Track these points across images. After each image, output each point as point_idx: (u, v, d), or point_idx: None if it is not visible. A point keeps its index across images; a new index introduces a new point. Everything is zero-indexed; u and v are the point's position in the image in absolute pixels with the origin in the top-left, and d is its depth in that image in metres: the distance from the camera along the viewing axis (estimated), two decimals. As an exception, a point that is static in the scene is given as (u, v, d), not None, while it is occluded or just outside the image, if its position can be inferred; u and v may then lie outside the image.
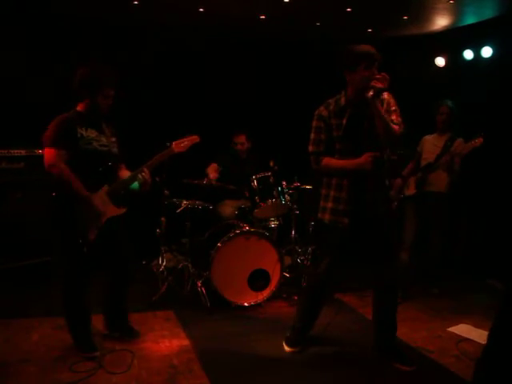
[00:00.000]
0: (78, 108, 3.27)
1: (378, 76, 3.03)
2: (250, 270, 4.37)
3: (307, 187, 4.99)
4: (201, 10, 5.07)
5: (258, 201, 4.50)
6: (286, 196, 4.64)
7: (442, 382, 3.24)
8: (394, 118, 3.12)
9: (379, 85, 3.00)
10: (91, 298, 3.40)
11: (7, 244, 4.55)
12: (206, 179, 4.76)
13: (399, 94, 3.29)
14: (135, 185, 3.33)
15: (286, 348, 3.54)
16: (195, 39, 5.85)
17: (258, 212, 4.58)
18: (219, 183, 4.98)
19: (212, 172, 5.09)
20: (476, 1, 4.70)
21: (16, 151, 4.70)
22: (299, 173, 5.00)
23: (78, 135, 3.16)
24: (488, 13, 5.07)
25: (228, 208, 5.11)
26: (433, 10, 4.94)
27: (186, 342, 3.62)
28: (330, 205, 3.29)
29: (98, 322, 3.62)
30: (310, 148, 3.33)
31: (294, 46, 6.22)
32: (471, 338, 3.80)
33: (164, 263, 4.75)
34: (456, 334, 3.87)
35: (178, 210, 4.63)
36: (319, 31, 5.85)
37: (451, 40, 5.68)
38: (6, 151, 4.65)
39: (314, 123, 3.30)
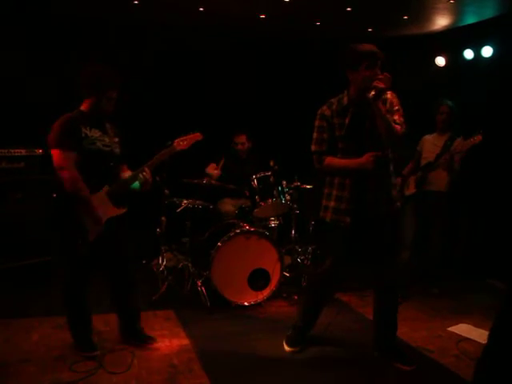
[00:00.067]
0: (82, 107, 3.25)
1: (380, 76, 3.02)
2: (250, 269, 4.37)
3: (307, 187, 4.99)
4: (201, 9, 5.07)
5: (258, 200, 4.50)
6: (286, 195, 4.64)
7: (442, 382, 3.24)
8: (396, 117, 3.11)
9: (381, 85, 2.99)
10: (91, 297, 3.40)
11: (7, 244, 4.54)
12: (206, 179, 4.76)
13: (399, 93, 3.28)
14: (136, 184, 3.32)
15: (286, 348, 3.54)
16: (195, 39, 5.85)
17: (258, 211, 4.58)
18: (219, 183, 4.99)
19: (214, 170, 5.09)
20: (476, 0, 4.69)
21: (16, 151, 4.70)
22: (299, 172, 5.00)
23: (83, 135, 3.14)
24: (488, 12, 5.06)
25: (228, 206, 5.12)
26: (433, 9, 4.94)
27: (186, 342, 3.62)
28: (332, 204, 3.28)
29: (98, 322, 3.62)
30: (313, 147, 3.32)
31: (294, 46, 6.22)
32: (471, 337, 3.80)
33: (164, 263, 4.75)
34: (456, 334, 3.87)
35: (178, 210, 4.63)
36: (319, 31, 5.85)
37: (451, 40, 5.68)
38: (6, 151, 4.65)
39: (317, 122, 3.30)
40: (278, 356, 3.45)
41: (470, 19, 5.33)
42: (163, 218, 4.75)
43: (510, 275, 3.22)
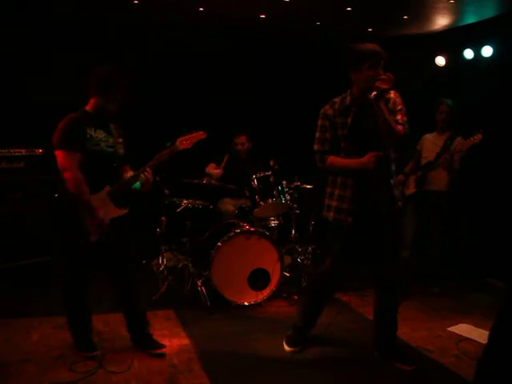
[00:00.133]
0: (87, 107, 3.24)
1: (383, 76, 3.01)
2: (250, 269, 4.37)
3: (307, 186, 4.99)
4: (201, 9, 5.07)
5: (258, 200, 4.50)
6: (286, 195, 4.64)
7: (442, 382, 3.24)
8: (399, 117, 3.10)
9: (383, 86, 2.98)
10: (91, 297, 3.40)
11: (7, 244, 4.54)
12: (206, 178, 4.76)
13: (399, 93, 3.28)
14: (137, 184, 3.31)
15: (287, 348, 3.53)
16: (195, 39, 5.85)
17: (258, 211, 4.58)
18: (219, 182, 4.99)
19: (215, 169, 5.09)
20: (476, 0, 4.69)
21: (16, 151, 4.70)
22: (299, 172, 5.00)
23: (87, 136, 3.13)
24: (488, 12, 5.06)
25: (228, 206, 5.12)
26: (433, 9, 4.94)
27: (186, 342, 3.62)
28: (334, 203, 3.28)
29: (98, 322, 3.62)
30: (315, 147, 3.32)
31: (294, 46, 6.22)
32: (471, 337, 3.79)
33: (164, 262, 4.75)
34: (456, 334, 3.87)
35: (178, 210, 4.63)
36: (319, 31, 5.85)
37: (451, 39, 5.68)
38: (6, 151, 4.65)
39: (320, 122, 3.29)
40: (278, 356, 3.45)
41: (470, 19, 5.33)
42: (163, 218, 4.75)
43: (510, 275, 3.22)
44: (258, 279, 4.38)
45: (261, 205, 4.49)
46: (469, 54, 5.45)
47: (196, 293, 4.32)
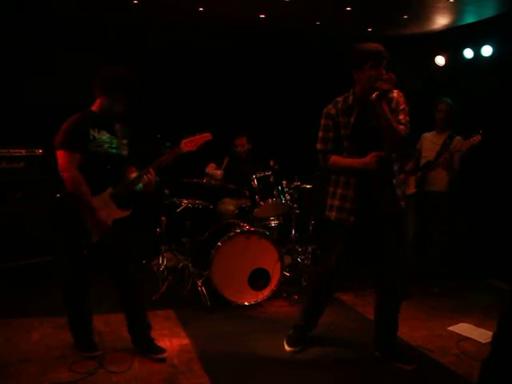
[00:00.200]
0: (93, 108, 3.22)
1: (385, 76, 3.00)
2: (250, 269, 4.37)
3: (307, 186, 5.00)
4: (201, 9, 5.07)
5: (258, 200, 4.50)
6: (286, 195, 4.64)
7: (443, 381, 3.23)
8: (401, 117, 3.10)
9: (385, 86, 2.98)
10: (92, 298, 3.40)
11: (7, 244, 4.55)
12: (206, 178, 4.76)
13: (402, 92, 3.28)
14: (139, 186, 3.29)
15: (287, 347, 3.53)
16: (195, 39, 5.86)
17: (258, 211, 4.58)
18: (219, 182, 4.99)
19: (216, 170, 5.08)
20: (476, 0, 4.69)
21: (16, 151, 4.70)
22: (299, 172, 5.00)
23: (91, 137, 3.11)
24: (488, 12, 5.06)
25: (228, 206, 5.11)
26: (433, 8, 4.94)
27: (186, 342, 3.62)
28: (336, 203, 3.28)
29: (98, 322, 3.62)
30: (318, 146, 3.32)
31: (294, 46, 6.22)
32: (471, 336, 3.80)
33: (164, 262, 4.75)
34: (456, 333, 3.87)
35: (178, 210, 4.64)
36: (319, 30, 5.85)
37: (451, 39, 5.68)
38: (6, 151, 4.65)
39: (322, 121, 3.29)
40: (278, 356, 3.45)
41: (470, 18, 5.33)
42: (163, 218, 4.75)
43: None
44: (258, 279, 4.38)
45: (261, 205, 4.49)
46: (469, 53, 5.45)
47: (196, 293, 4.32)
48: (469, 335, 3.82)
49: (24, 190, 4.73)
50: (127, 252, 3.34)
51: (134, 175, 3.31)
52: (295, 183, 4.91)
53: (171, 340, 3.62)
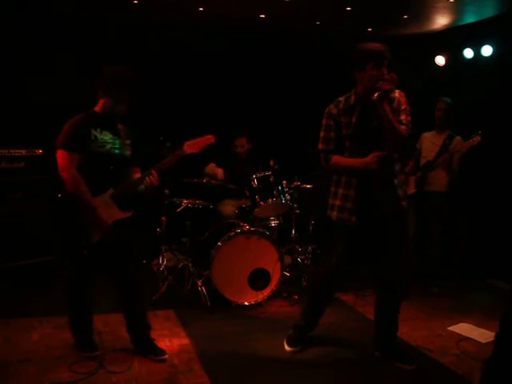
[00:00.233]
0: (96, 108, 3.22)
1: (386, 77, 3.00)
2: (250, 269, 4.37)
3: (307, 186, 4.99)
4: (201, 9, 5.07)
5: (258, 200, 4.50)
6: (287, 195, 4.64)
7: (443, 381, 3.23)
8: (403, 117, 3.10)
9: (386, 86, 2.97)
10: (92, 298, 3.40)
11: (7, 244, 4.54)
12: (206, 178, 4.76)
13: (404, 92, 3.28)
14: (140, 187, 3.28)
15: (287, 347, 3.53)
16: (195, 39, 5.86)
17: (258, 211, 4.58)
18: (219, 182, 4.99)
19: (217, 170, 5.08)
20: (476, 0, 4.69)
21: (16, 151, 4.70)
22: (299, 172, 5.00)
23: (92, 137, 3.10)
24: (488, 11, 5.06)
25: (228, 207, 5.11)
26: (433, 8, 4.94)
27: (186, 342, 3.62)
28: (338, 202, 3.28)
29: (98, 322, 3.62)
30: (320, 146, 3.32)
31: (294, 46, 6.22)
32: (471, 336, 3.80)
33: (164, 262, 4.74)
34: (456, 333, 3.87)
35: (179, 210, 4.63)
36: (319, 30, 5.85)
37: (451, 39, 5.68)
38: (6, 151, 4.64)
39: (324, 121, 3.29)
40: (278, 356, 3.45)
41: (470, 18, 5.33)
42: (163, 218, 4.75)
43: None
44: (259, 279, 4.38)
45: (261, 205, 4.49)
46: (469, 53, 5.45)
47: (196, 293, 4.32)
48: (469, 335, 3.82)
49: (24, 190, 4.72)
50: (128, 252, 3.33)
51: (137, 176, 3.29)
52: (295, 183, 4.90)
53: (171, 340, 3.62)
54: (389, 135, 3.04)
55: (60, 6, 5.04)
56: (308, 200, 5.26)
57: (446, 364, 3.37)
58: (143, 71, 5.78)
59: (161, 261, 4.76)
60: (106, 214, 3.11)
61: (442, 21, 5.40)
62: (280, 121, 6.30)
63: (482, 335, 3.79)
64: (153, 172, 3.23)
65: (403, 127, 3.06)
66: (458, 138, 4.63)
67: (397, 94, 3.15)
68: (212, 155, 5.25)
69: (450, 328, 3.97)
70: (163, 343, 3.52)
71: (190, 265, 4.53)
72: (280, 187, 4.60)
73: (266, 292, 4.40)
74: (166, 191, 4.64)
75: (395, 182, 3.22)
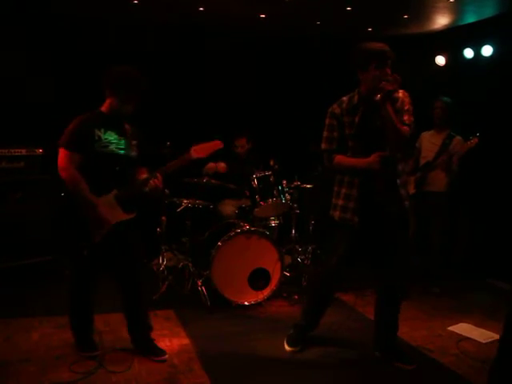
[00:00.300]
0: (102, 108, 3.20)
1: (389, 78, 2.99)
2: (250, 269, 4.37)
3: (307, 186, 5.00)
4: (201, 9, 5.07)
5: (258, 200, 4.50)
6: (287, 195, 4.64)
7: (442, 381, 3.23)
8: (405, 118, 3.10)
9: (389, 87, 2.97)
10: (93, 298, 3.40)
11: (7, 244, 4.54)
12: (205, 178, 4.75)
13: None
14: (145, 189, 3.25)
15: (287, 347, 3.53)
16: (195, 39, 5.85)
17: (258, 211, 4.58)
18: (219, 182, 4.98)
19: (218, 164, 5.05)
20: (476, 0, 4.69)
21: (16, 151, 4.70)
22: (299, 172, 5.00)
23: (96, 137, 3.09)
24: (488, 11, 5.06)
25: (228, 207, 5.11)
26: (433, 8, 4.94)
27: (186, 342, 3.62)
28: (340, 202, 3.28)
29: (98, 322, 3.61)
30: (323, 146, 3.32)
31: (294, 46, 6.22)
32: (471, 337, 3.80)
33: (164, 262, 4.74)
34: (456, 333, 3.87)
35: (179, 209, 4.64)
36: (319, 30, 5.85)
37: (451, 39, 5.68)
38: (6, 151, 4.64)
39: (327, 121, 3.29)
40: (279, 356, 3.45)
41: (470, 18, 5.33)
42: (163, 218, 4.75)
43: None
44: (259, 279, 4.38)
45: (261, 205, 4.49)
46: (469, 53, 5.45)
47: (196, 292, 4.32)
48: (469, 335, 3.82)
49: (24, 189, 4.72)
50: (134, 253, 3.33)
51: (144, 176, 3.26)
52: (295, 183, 4.91)
53: (171, 340, 3.62)
54: (391, 136, 3.04)
55: (60, 6, 5.04)
56: (308, 200, 5.26)
57: (446, 364, 3.37)
58: (143, 71, 5.80)
59: (161, 261, 4.76)
60: (109, 215, 3.10)
61: (442, 21, 5.40)
62: (280, 121, 6.29)
63: (482, 335, 3.79)
64: (157, 175, 3.21)
65: (405, 128, 3.07)
66: (458, 137, 4.63)
67: (400, 93, 3.15)
68: (211, 155, 5.25)
69: (450, 328, 3.96)
70: (163, 343, 3.53)
71: (190, 265, 4.53)
72: (280, 187, 4.60)
73: (266, 292, 4.40)
74: (166, 191, 4.64)
75: (398, 182, 3.22)
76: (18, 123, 5.06)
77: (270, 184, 4.55)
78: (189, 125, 5.67)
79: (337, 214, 3.30)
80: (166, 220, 4.75)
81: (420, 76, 5.80)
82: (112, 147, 3.14)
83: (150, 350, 3.34)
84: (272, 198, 4.50)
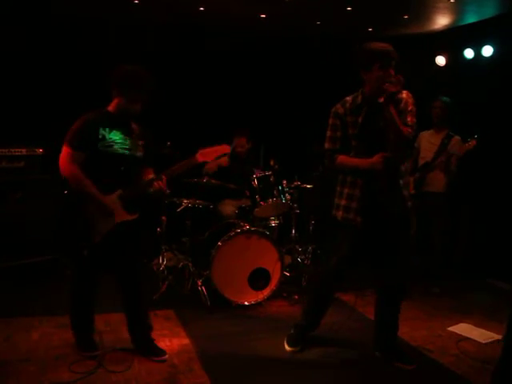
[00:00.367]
0: (109, 107, 3.19)
1: (392, 79, 2.99)
2: (250, 269, 4.37)
3: (307, 186, 4.99)
4: (201, 9, 5.07)
5: (258, 200, 4.50)
6: (287, 195, 4.64)
7: (442, 381, 3.23)
8: (408, 119, 3.09)
9: (392, 89, 2.97)
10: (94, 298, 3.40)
11: (7, 243, 4.54)
12: (205, 178, 4.75)
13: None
14: (149, 190, 3.23)
15: (287, 347, 3.53)
16: (196, 39, 5.85)
17: (258, 211, 4.57)
18: (219, 182, 4.98)
19: (220, 159, 5.04)
20: (476, 0, 4.69)
21: (16, 150, 4.70)
22: (299, 172, 5.00)
23: (100, 136, 3.07)
24: (488, 12, 5.06)
25: (228, 207, 5.10)
26: (433, 8, 4.94)
27: (186, 341, 3.62)
28: (343, 202, 3.28)
29: (98, 322, 3.61)
30: (326, 145, 3.31)
31: (295, 46, 6.22)
32: (471, 337, 3.80)
33: (164, 262, 4.75)
34: (456, 333, 3.87)
35: (179, 209, 4.64)
36: (319, 30, 5.85)
37: (452, 39, 5.68)
38: (6, 150, 4.64)
39: (331, 121, 3.29)
40: (279, 356, 3.45)
41: (471, 18, 5.33)
42: (163, 218, 4.75)
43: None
44: (259, 279, 4.38)
45: (261, 204, 4.48)
46: (469, 53, 5.45)
47: (196, 292, 4.32)
48: (469, 335, 3.82)
49: (24, 189, 4.72)
50: (136, 253, 3.33)
51: (149, 177, 3.25)
52: (295, 183, 4.91)
53: (171, 340, 3.62)
54: (393, 137, 3.04)
55: (60, 7, 5.04)
56: (308, 200, 5.26)
57: (446, 364, 3.37)
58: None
59: (161, 260, 4.76)
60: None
61: (442, 21, 5.40)
62: (280, 120, 6.29)
63: (482, 335, 3.79)
64: (162, 177, 3.20)
65: (408, 129, 3.06)
66: (457, 137, 4.63)
67: (404, 94, 3.14)
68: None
69: (450, 328, 3.97)
70: (163, 343, 3.52)
71: (190, 264, 4.53)
72: (280, 187, 4.60)
73: (266, 292, 4.40)
74: (168, 191, 4.63)
75: (401, 182, 3.22)
76: (18, 123, 5.06)
77: (270, 184, 4.55)
78: (189, 125, 5.67)
79: (339, 214, 3.30)
80: (166, 220, 4.76)
81: (420, 76, 5.79)
82: (116, 147, 3.13)
83: (150, 350, 3.34)
84: (272, 198, 4.50)
